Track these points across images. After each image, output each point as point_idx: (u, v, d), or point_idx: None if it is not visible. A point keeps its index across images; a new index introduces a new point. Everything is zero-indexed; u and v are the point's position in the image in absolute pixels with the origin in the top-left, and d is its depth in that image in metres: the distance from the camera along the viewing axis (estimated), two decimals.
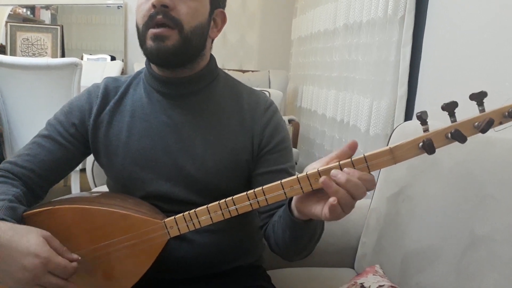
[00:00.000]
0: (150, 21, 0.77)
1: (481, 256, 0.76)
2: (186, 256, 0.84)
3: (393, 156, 0.61)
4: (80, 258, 0.73)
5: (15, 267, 0.66)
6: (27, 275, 0.66)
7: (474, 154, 0.83)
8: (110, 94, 0.89)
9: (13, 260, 0.66)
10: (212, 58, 0.90)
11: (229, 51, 3.88)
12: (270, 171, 0.86)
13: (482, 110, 0.59)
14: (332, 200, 0.60)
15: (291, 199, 0.72)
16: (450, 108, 0.59)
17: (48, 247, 0.68)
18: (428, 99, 1.38)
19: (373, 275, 0.96)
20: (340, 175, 0.60)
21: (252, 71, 3.66)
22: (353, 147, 0.63)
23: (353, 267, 1.22)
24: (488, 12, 1.09)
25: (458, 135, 0.59)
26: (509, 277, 0.70)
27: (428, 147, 0.60)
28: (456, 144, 0.60)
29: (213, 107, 0.87)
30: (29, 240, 0.67)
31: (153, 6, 0.76)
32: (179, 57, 0.80)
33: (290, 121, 2.85)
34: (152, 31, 0.77)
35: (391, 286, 0.88)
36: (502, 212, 0.74)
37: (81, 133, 0.88)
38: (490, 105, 0.60)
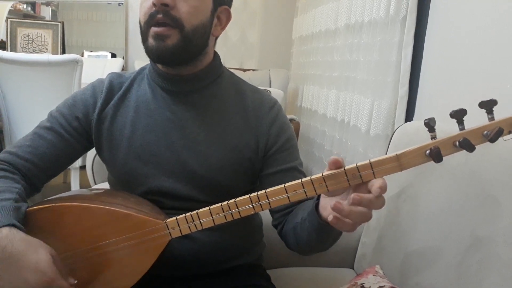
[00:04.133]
0: (151, 20, 0.77)
1: (482, 257, 0.76)
2: (186, 254, 0.84)
3: (400, 163, 0.61)
4: (76, 281, 0.72)
5: (17, 279, 0.66)
6: None
7: (477, 155, 0.83)
8: (115, 89, 0.89)
9: (17, 272, 0.66)
10: (216, 55, 0.90)
11: (230, 49, 3.88)
12: (280, 170, 0.87)
13: (492, 119, 0.58)
14: (330, 218, 0.62)
15: (317, 202, 0.72)
16: (458, 115, 0.58)
17: (54, 267, 0.68)
18: (429, 100, 1.38)
19: (373, 275, 0.96)
20: (344, 209, 0.60)
21: (253, 69, 3.65)
22: (333, 163, 0.63)
23: (352, 267, 1.22)
24: (490, 13, 1.09)
25: (466, 144, 0.58)
26: (509, 278, 0.70)
27: (436, 155, 0.59)
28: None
29: (217, 104, 0.88)
30: (39, 256, 0.67)
31: (154, 4, 0.76)
32: (179, 56, 0.80)
33: (290, 120, 2.84)
34: (153, 29, 0.78)
35: (392, 287, 0.88)
36: (504, 214, 0.74)
37: (84, 127, 0.88)
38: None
